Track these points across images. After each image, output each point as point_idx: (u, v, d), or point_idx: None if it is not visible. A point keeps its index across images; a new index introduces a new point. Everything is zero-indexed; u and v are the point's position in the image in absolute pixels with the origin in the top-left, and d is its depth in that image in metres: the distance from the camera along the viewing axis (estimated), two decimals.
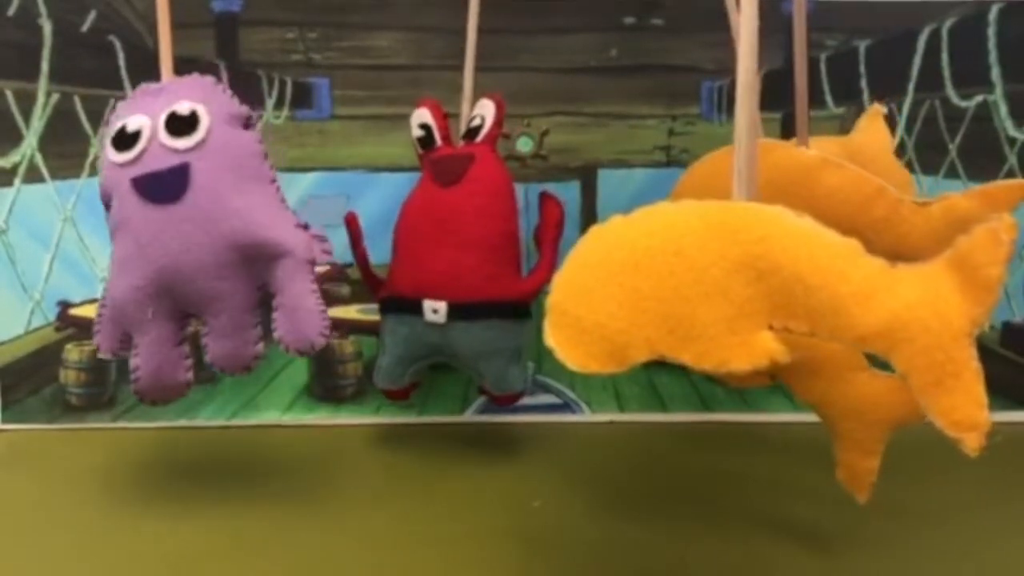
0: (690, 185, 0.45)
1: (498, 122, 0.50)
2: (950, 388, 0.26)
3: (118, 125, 0.43)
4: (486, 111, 0.50)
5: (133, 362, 0.43)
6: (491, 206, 0.49)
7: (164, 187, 0.41)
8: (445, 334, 0.49)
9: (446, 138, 0.51)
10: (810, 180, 0.39)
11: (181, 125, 0.42)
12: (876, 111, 0.45)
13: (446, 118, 0.51)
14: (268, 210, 0.43)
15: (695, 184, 0.44)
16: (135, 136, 0.42)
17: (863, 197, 0.38)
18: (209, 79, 0.45)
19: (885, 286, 0.27)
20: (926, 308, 0.27)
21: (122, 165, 0.42)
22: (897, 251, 0.28)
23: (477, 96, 0.52)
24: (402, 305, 0.50)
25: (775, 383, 0.41)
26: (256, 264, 0.42)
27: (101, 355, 0.44)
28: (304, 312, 0.42)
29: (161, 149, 0.41)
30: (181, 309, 0.43)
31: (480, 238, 0.48)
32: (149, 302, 0.42)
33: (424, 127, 0.51)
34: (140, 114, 0.42)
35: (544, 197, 0.51)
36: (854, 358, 0.37)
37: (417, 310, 0.49)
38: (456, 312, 0.48)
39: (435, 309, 0.48)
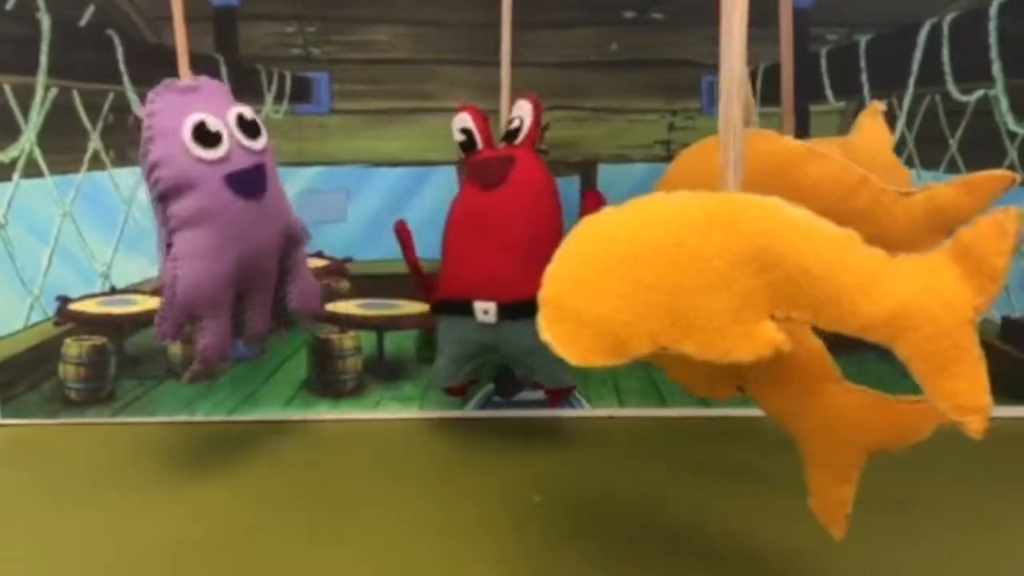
0: (676, 175, 0.44)
1: (536, 123, 0.51)
2: (953, 373, 0.27)
3: (192, 120, 0.44)
4: (524, 112, 0.51)
5: (202, 343, 0.46)
6: (535, 206, 0.50)
7: (253, 184, 0.46)
8: (496, 333, 0.50)
9: (487, 141, 0.51)
10: (794, 169, 0.39)
11: (251, 127, 0.47)
12: (875, 109, 0.45)
13: (487, 121, 0.52)
14: (287, 201, 0.50)
15: (681, 174, 0.44)
16: (218, 135, 0.45)
17: (846, 187, 0.38)
18: (220, 83, 0.48)
19: (888, 275, 0.27)
20: (931, 296, 0.27)
21: (210, 161, 0.44)
22: (879, 240, 0.28)
23: (486, 94, 0.52)
24: (453, 307, 0.51)
25: (742, 395, 0.38)
26: (286, 250, 0.50)
27: (165, 343, 0.46)
28: (314, 288, 0.52)
29: (241, 149, 0.46)
30: (238, 292, 0.48)
31: (526, 238, 0.49)
32: (232, 286, 0.47)
33: (465, 132, 0.51)
34: (208, 113, 0.45)
35: (586, 194, 0.52)
36: (825, 367, 0.34)
37: (468, 311, 0.50)
38: (506, 312, 0.49)
39: (486, 310, 0.49)
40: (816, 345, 0.35)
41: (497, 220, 0.50)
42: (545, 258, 0.49)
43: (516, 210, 0.49)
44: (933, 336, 0.27)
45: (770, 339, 0.28)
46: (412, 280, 0.54)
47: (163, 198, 0.44)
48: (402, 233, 0.54)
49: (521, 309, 0.49)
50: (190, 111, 0.45)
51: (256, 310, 0.49)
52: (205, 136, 0.44)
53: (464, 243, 0.51)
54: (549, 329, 0.30)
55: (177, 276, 0.45)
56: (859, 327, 0.28)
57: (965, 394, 0.26)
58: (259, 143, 0.47)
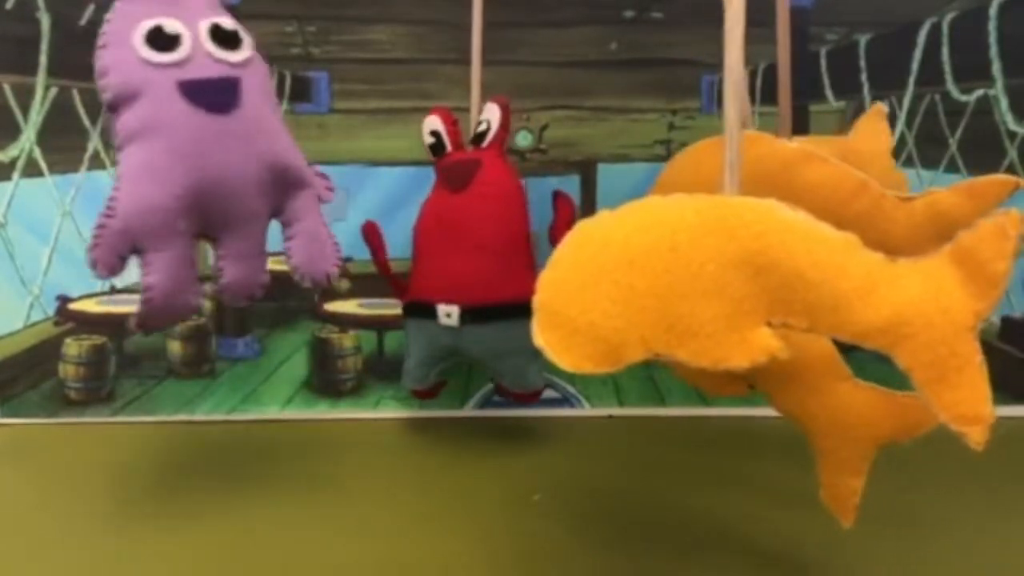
0: (673, 178, 0.44)
1: (504, 126, 0.51)
2: (954, 383, 0.26)
3: (148, 24, 0.40)
4: (492, 115, 0.51)
5: (147, 280, 0.40)
6: (500, 210, 0.50)
7: (217, 96, 0.41)
8: (459, 337, 0.50)
9: (456, 144, 0.51)
10: (791, 174, 0.38)
11: (227, 38, 0.42)
12: (878, 111, 0.45)
13: (456, 124, 0.52)
14: (291, 139, 0.44)
15: (678, 177, 0.44)
16: (175, 39, 0.40)
17: (845, 192, 0.38)
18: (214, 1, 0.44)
19: (886, 281, 0.27)
20: (929, 303, 0.26)
21: (162, 66, 0.40)
22: (880, 246, 0.28)
23: (485, 94, 0.52)
24: (420, 309, 0.51)
25: (753, 391, 0.39)
26: (277, 190, 0.43)
27: (97, 274, 0.40)
28: (321, 242, 0.44)
29: (208, 58, 0.41)
30: (202, 228, 0.42)
31: (490, 242, 0.49)
32: (183, 214, 0.40)
33: (434, 134, 0.51)
34: (171, 18, 0.41)
35: (557, 195, 0.52)
36: (836, 367, 0.35)
37: (433, 314, 0.50)
38: (469, 316, 0.49)
39: (448, 313, 0.49)
40: (826, 345, 0.35)
41: (461, 223, 0.50)
42: (510, 262, 0.50)
43: (480, 213, 0.50)
44: (931, 344, 0.26)
45: (765, 346, 0.27)
46: (386, 282, 0.54)
47: (112, 108, 0.40)
48: (371, 234, 0.54)
49: (484, 313, 0.49)
50: (150, 16, 0.41)
51: (233, 258, 0.43)
52: (159, 39, 0.40)
53: (431, 245, 0.51)
54: (542, 335, 0.29)
55: (117, 196, 0.39)
56: (856, 334, 0.27)
57: (966, 404, 0.26)
58: (236, 55, 0.42)
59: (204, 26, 0.41)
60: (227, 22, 0.42)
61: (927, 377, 0.26)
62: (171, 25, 0.40)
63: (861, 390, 0.35)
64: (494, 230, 0.49)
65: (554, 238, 0.51)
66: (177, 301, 0.41)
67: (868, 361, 0.35)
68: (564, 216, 0.51)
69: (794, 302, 0.27)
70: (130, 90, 0.40)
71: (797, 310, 0.28)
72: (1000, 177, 0.37)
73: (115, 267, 0.40)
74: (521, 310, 0.49)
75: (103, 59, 0.40)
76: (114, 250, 0.40)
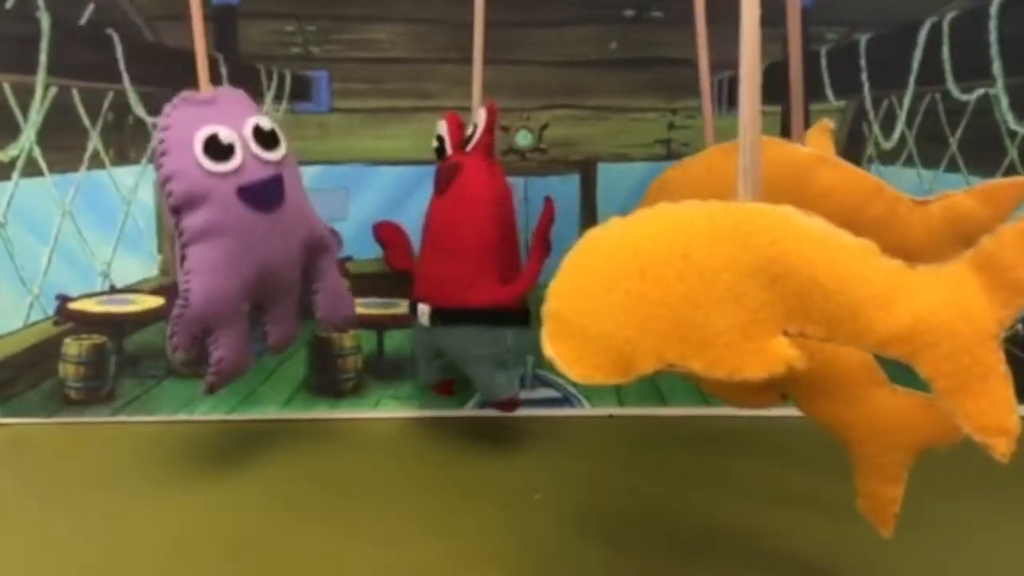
0: (678, 183, 0.43)
1: (488, 129, 0.51)
2: (977, 392, 0.26)
3: (204, 133, 0.44)
4: (479, 120, 0.51)
5: (216, 354, 0.47)
6: (471, 215, 0.50)
7: (268, 196, 0.46)
8: (435, 336, 0.51)
9: (456, 148, 0.51)
10: (804, 178, 0.38)
11: (268, 139, 0.46)
12: (824, 126, 0.44)
13: (462, 128, 0.51)
14: (312, 210, 0.50)
15: (684, 181, 0.43)
16: (230, 148, 0.45)
17: (860, 196, 0.37)
18: (242, 92, 0.48)
19: (906, 288, 0.26)
20: (951, 310, 0.26)
21: (221, 175, 0.44)
22: (896, 251, 0.27)
23: (485, 94, 0.52)
24: (412, 308, 0.52)
25: (786, 402, 0.38)
26: (309, 256, 0.49)
27: (178, 356, 0.46)
28: (342, 296, 0.51)
29: (257, 161, 0.46)
30: (255, 302, 0.48)
31: (460, 245, 0.50)
32: (247, 297, 0.47)
33: (439, 138, 0.52)
34: (223, 126, 0.45)
35: (544, 201, 0.52)
36: (872, 373, 0.35)
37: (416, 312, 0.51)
38: (438, 316, 0.50)
39: (423, 312, 0.51)
40: (861, 352, 0.34)
41: (438, 225, 0.51)
42: (479, 267, 0.50)
43: (455, 217, 0.50)
44: (954, 352, 0.25)
45: (782, 355, 0.27)
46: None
47: (176, 211, 0.45)
48: (385, 233, 0.55)
49: (450, 315, 0.50)
50: (203, 124, 0.45)
51: (278, 321, 0.50)
52: (217, 149, 0.44)
53: (422, 246, 0.52)
54: (552, 345, 0.29)
55: (189, 290, 0.45)
56: (876, 343, 0.26)
57: (989, 414, 0.25)
58: (276, 154, 0.46)
59: (248, 129, 0.46)
60: (265, 123, 0.47)
61: (949, 387, 0.26)
62: (225, 134, 0.45)
63: (899, 396, 0.34)
64: (464, 234, 0.50)
65: (536, 238, 0.52)
66: (240, 366, 0.48)
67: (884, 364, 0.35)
68: (544, 219, 0.51)
69: (812, 311, 0.27)
70: (194, 198, 0.44)
71: (815, 319, 0.27)
72: (1018, 180, 0.37)
73: (191, 347, 0.46)
74: (486, 316, 0.50)
75: (166, 167, 0.44)
76: (191, 335, 0.46)
